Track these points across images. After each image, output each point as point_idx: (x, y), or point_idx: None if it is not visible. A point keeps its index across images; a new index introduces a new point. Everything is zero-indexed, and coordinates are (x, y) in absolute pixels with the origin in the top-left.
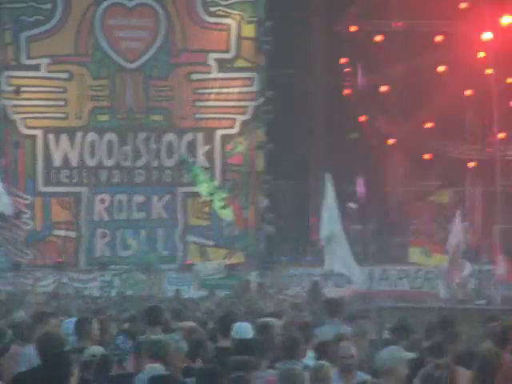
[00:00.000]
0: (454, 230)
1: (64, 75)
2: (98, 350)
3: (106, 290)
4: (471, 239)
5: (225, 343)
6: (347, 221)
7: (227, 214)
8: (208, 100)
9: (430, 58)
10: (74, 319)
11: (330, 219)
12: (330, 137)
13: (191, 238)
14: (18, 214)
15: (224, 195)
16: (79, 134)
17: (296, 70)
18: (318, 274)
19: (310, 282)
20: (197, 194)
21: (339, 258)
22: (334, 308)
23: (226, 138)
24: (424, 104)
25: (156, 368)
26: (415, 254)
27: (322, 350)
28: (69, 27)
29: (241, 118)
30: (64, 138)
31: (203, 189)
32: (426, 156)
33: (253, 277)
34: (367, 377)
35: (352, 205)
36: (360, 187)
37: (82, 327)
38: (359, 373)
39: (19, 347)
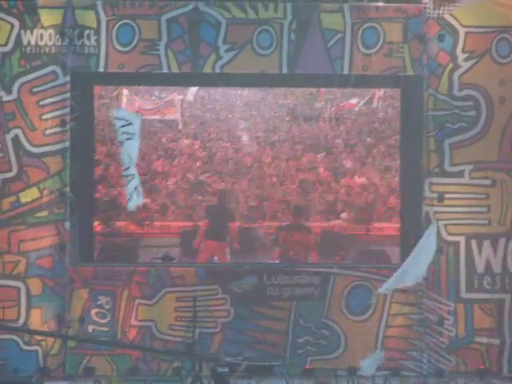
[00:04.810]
0: None
1: (487, 182)
2: None
3: None
4: None
5: None
6: None
7: None
8: None
9: None
10: None
11: None
12: None
13: None
14: (440, 320)
15: None
16: (502, 241)
17: None
18: None
19: None
20: None
21: None
22: None
23: None
24: None
25: None
26: None
27: None
28: (492, 134)
29: None
30: (487, 244)
31: None
32: None
33: None
34: None
35: None
36: None
37: None
38: None
39: None
